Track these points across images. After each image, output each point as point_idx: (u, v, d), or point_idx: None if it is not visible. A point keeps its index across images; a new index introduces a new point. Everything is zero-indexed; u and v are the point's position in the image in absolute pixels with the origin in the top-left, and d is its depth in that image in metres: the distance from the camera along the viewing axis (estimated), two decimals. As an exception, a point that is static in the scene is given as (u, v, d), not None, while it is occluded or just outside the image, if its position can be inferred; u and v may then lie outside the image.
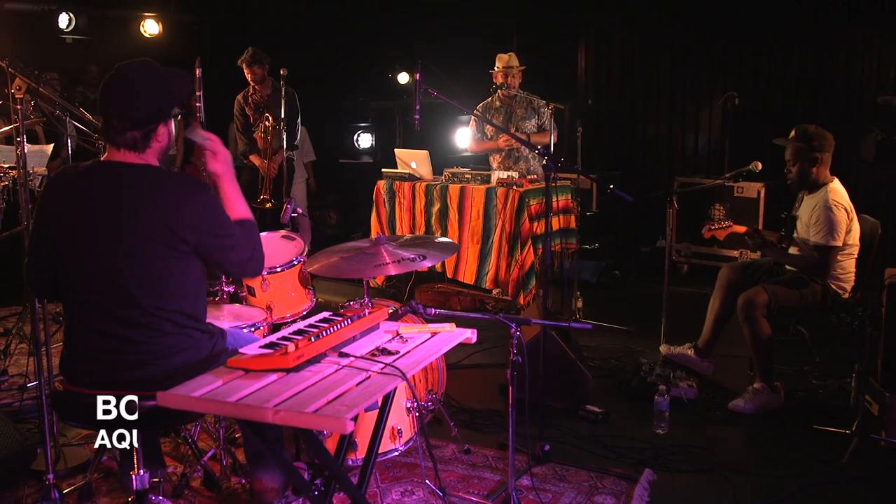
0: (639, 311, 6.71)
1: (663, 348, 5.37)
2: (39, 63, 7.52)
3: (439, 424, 4.37)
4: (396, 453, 3.52)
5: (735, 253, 7.44)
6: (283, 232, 3.97)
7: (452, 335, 2.88)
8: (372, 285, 6.89)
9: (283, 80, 6.64)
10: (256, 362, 2.49)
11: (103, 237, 2.68)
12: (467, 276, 6.45)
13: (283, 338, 2.67)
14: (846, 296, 4.69)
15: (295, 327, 2.81)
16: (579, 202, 6.54)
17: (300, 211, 4.01)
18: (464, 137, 9.01)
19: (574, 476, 3.90)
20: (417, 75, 3.83)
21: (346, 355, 2.59)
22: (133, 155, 2.75)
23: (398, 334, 2.85)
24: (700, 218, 7.81)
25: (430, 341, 2.82)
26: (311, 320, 2.87)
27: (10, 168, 5.20)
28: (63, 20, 8.14)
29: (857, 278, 4.71)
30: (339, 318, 2.84)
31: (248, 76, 7.00)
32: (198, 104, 3.88)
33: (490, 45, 9.23)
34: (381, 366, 2.49)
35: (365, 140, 9.23)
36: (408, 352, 2.69)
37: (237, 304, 3.92)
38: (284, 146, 6.89)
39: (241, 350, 2.57)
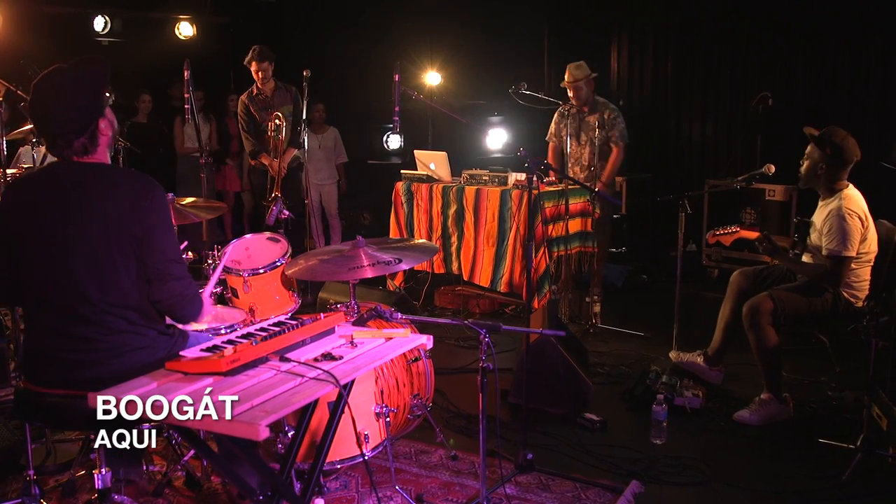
0: (661, 317, 6.51)
1: (673, 354, 5.24)
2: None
3: (433, 429, 4.31)
4: (363, 459, 3.48)
5: (767, 257, 7.20)
6: (268, 234, 3.96)
7: (405, 341, 2.83)
8: (391, 288, 6.88)
9: (305, 81, 6.63)
10: (193, 365, 2.48)
11: (56, 236, 2.71)
12: (483, 279, 6.36)
13: (229, 341, 2.65)
14: (860, 304, 4.49)
15: (247, 329, 2.79)
16: (597, 204, 6.40)
17: (286, 213, 3.99)
18: (494, 139, 8.98)
19: (559, 486, 3.81)
20: (396, 77, 3.76)
21: (288, 360, 2.56)
22: (85, 157, 2.80)
23: (352, 339, 2.81)
24: (731, 222, 7.59)
25: (380, 347, 2.78)
26: (265, 323, 2.85)
27: (28, 168, 5.32)
28: (98, 23, 8.32)
29: (872, 286, 4.52)
30: (293, 322, 2.82)
31: (257, 74, 6.95)
32: (186, 106, 3.89)
33: (522, 46, 9.19)
34: (319, 372, 2.45)
35: (394, 141, 9.23)
36: (352, 358, 2.64)
37: (219, 306, 3.93)
38: (305, 145, 6.87)
39: (181, 353, 2.56)
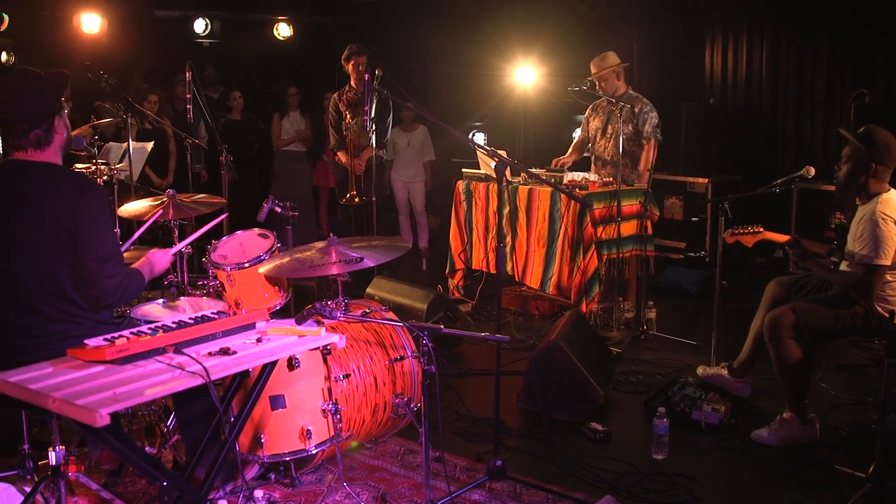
0: (723, 326, 6.18)
1: (700, 370, 4.97)
2: (179, 66, 8.15)
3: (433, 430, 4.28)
4: (306, 454, 3.51)
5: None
6: (258, 230, 4.05)
7: (315, 339, 2.84)
8: (451, 287, 6.89)
9: (376, 80, 6.71)
10: (87, 353, 2.59)
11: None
12: (533, 280, 6.27)
13: (137, 331, 2.75)
14: (896, 320, 4.10)
15: (164, 322, 2.88)
16: (651, 206, 6.15)
17: (279, 210, 4.08)
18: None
19: (531, 496, 3.70)
20: (367, 77, 3.78)
21: (182, 353, 2.62)
22: (37, 153, 3.00)
23: (262, 335, 2.85)
24: (822, 227, 7.13)
25: (284, 345, 2.80)
26: (185, 316, 2.93)
27: (102, 164, 5.49)
28: (199, 25, 8.74)
29: (911, 301, 4.12)
30: (214, 315, 2.89)
31: (354, 69, 7.09)
32: (188, 105, 4.05)
33: (612, 45, 8.91)
34: (198, 367, 2.50)
35: (479, 139, 9.19)
36: (245, 354, 2.68)
37: (205, 298, 4.07)
38: (373, 144, 6.97)
39: (85, 340, 2.68)
